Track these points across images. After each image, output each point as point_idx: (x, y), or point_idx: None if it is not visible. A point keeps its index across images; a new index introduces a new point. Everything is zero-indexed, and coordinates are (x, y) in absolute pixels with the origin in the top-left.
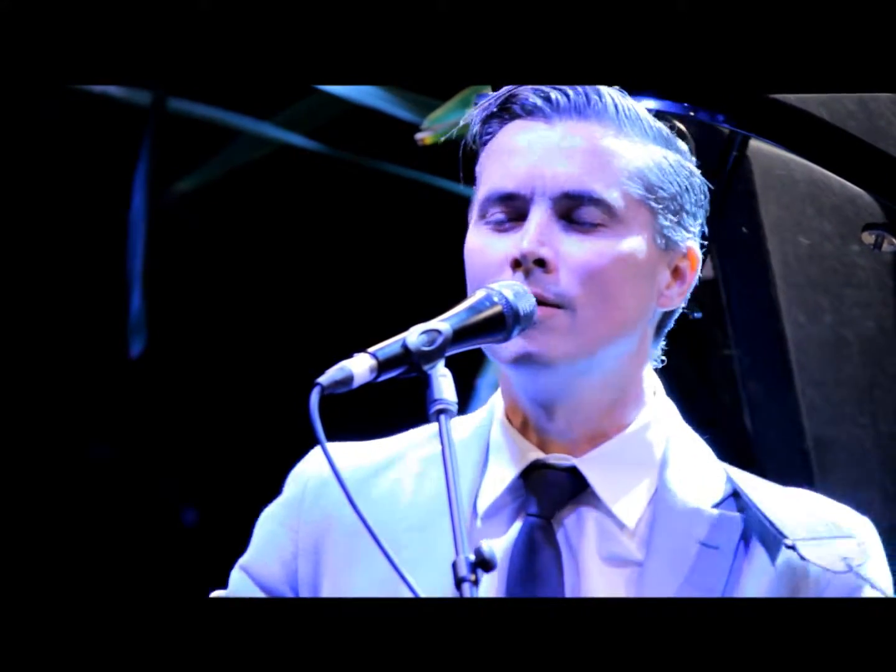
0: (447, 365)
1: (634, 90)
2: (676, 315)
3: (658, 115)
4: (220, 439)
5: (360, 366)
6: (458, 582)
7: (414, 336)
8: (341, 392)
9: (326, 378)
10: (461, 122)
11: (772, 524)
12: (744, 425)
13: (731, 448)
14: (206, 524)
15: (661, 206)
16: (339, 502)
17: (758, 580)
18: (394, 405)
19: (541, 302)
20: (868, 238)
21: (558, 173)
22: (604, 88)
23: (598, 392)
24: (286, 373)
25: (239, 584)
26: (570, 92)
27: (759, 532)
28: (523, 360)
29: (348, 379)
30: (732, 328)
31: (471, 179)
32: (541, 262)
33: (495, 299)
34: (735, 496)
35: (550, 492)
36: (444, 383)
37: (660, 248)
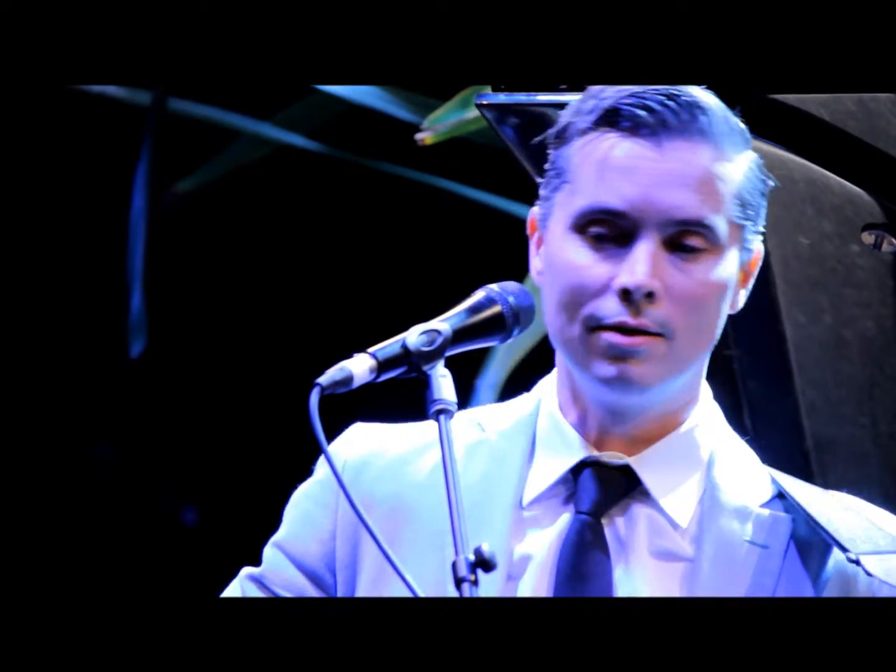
0: (447, 365)
1: None
2: None
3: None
4: (220, 439)
5: (359, 366)
6: (458, 582)
7: (414, 336)
8: (341, 392)
9: (326, 378)
10: (466, 118)
11: (830, 535)
12: (744, 425)
13: None
14: (206, 524)
15: (749, 222)
16: (379, 480)
17: (808, 583)
18: (394, 405)
19: (643, 332)
20: (868, 238)
21: (671, 202)
22: (702, 95)
23: (670, 402)
24: (286, 373)
25: (274, 562)
26: (673, 104)
27: (808, 535)
28: (619, 383)
29: (348, 379)
30: (732, 328)
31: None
32: (650, 294)
33: (495, 299)
34: (781, 497)
35: (602, 490)
36: (443, 383)
37: (742, 261)
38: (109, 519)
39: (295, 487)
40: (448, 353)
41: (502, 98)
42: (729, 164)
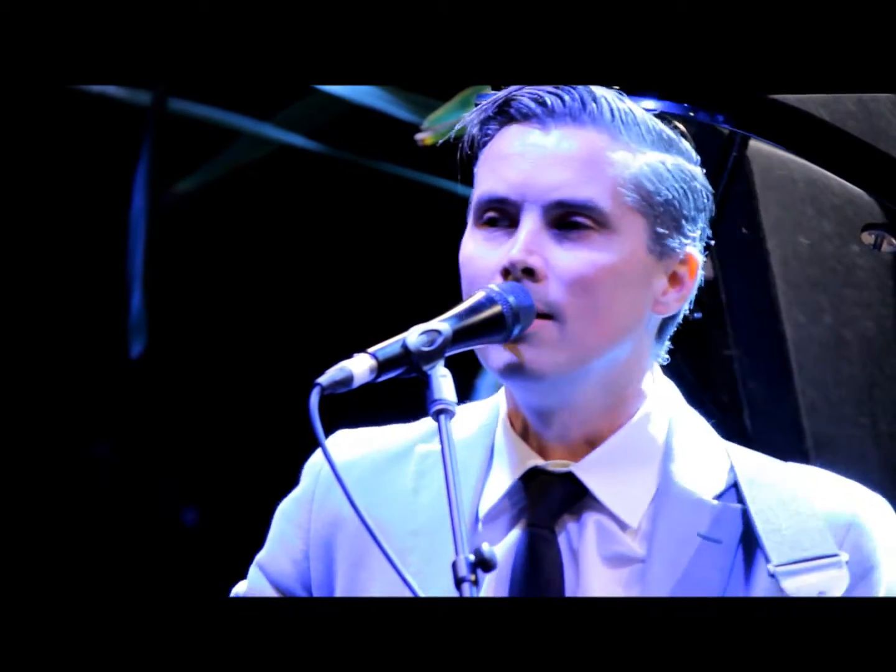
0: (447, 365)
1: (634, 90)
2: (678, 319)
3: (661, 116)
4: (221, 439)
5: (359, 366)
6: (458, 582)
7: (414, 336)
8: (341, 392)
9: (326, 378)
10: (459, 125)
11: (760, 539)
12: (744, 425)
13: None
14: (206, 524)
15: (656, 213)
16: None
17: (757, 577)
18: (393, 406)
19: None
20: (868, 238)
21: (551, 181)
22: (601, 91)
23: (592, 398)
24: (286, 373)
25: (255, 582)
26: (566, 96)
27: (756, 539)
28: (512, 373)
29: (348, 379)
30: (732, 328)
31: (469, 182)
32: (529, 272)
33: (495, 299)
34: (736, 487)
35: (549, 500)
36: (443, 383)
37: (654, 256)
38: (109, 519)
39: (293, 487)
40: (448, 353)
41: None
42: (622, 151)
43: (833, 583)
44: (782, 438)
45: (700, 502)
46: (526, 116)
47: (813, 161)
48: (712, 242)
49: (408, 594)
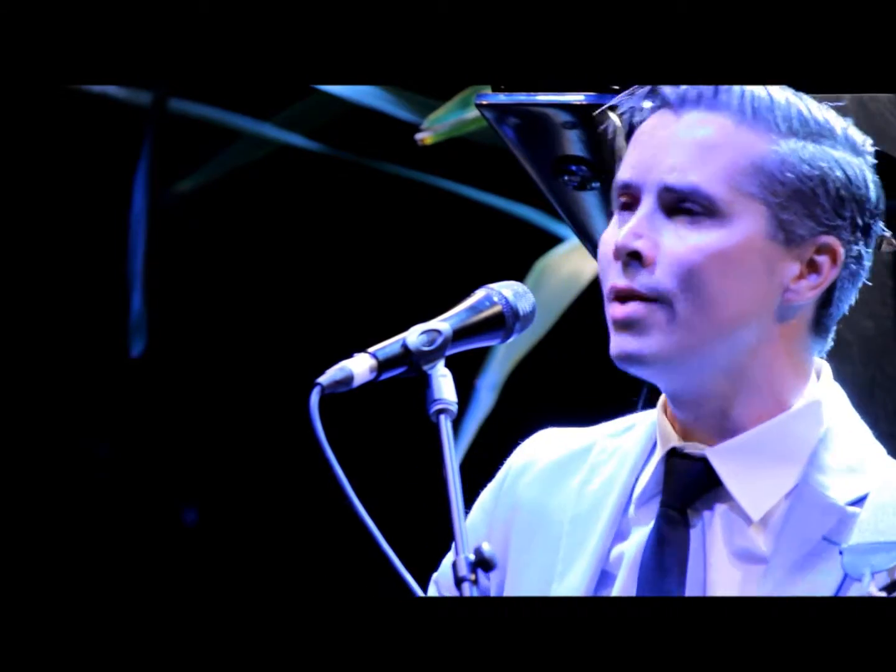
0: (447, 365)
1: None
2: (838, 310)
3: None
4: (221, 439)
5: (360, 366)
6: (458, 582)
7: (414, 336)
8: (341, 392)
9: (326, 378)
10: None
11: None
12: None
13: None
14: (206, 524)
15: (780, 200)
16: (530, 485)
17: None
18: (393, 405)
19: (636, 297)
20: None
21: (664, 165)
22: (757, 87)
23: (718, 386)
24: (286, 372)
25: (444, 565)
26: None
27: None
28: (622, 360)
29: (348, 379)
30: None
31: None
32: (636, 255)
33: (495, 299)
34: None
35: (683, 481)
36: (444, 383)
37: (778, 242)
38: (109, 519)
39: (293, 487)
40: (448, 353)
41: (502, 98)
42: (745, 136)
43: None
44: None
45: (831, 506)
46: (665, 102)
47: None
48: (887, 233)
49: (552, 581)
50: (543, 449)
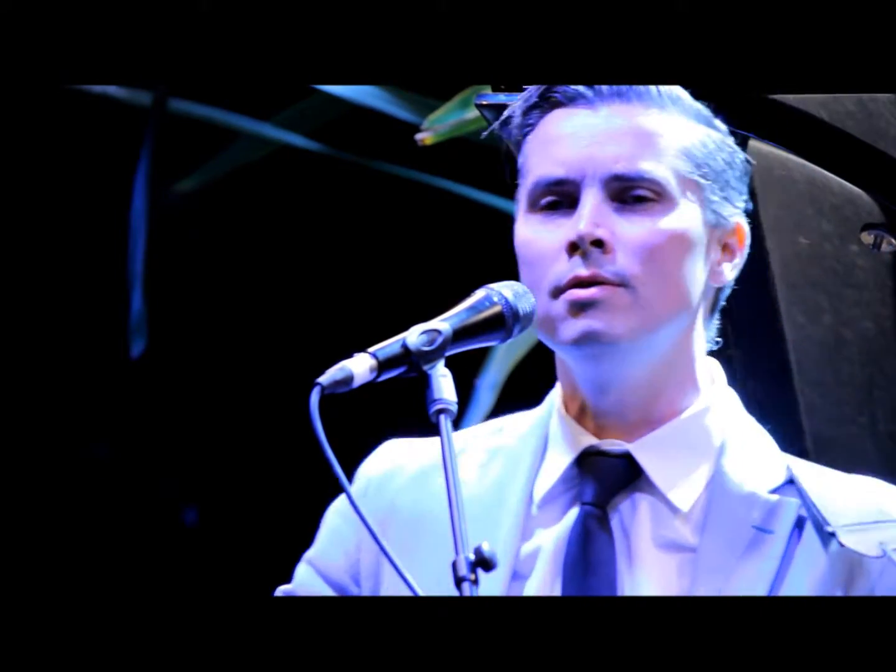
0: (447, 365)
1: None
2: (727, 293)
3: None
4: (221, 439)
5: (360, 366)
6: (458, 581)
7: (414, 336)
8: (341, 392)
9: (326, 378)
10: (466, 118)
11: (818, 510)
12: None
13: None
14: (206, 524)
15: (708, 182)
16: (403, 490)
17: (811, 567)
18: (393, 405)
19: (600, 282)
20: (867, 238)
21: (608, 156)
22: None
23: (653, 372)
24: (286, 373)
25: (305, 578)
26: None
27: (814, 520)
28: (586, 340)
29: (348, 379)
30: (732, 328)
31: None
32: (598, 243)
33: (495, 299)
34: (792, 483)
35: (604, 479)
36: (444, 383)
37: (710, 224)
38: (109, 519)
39: (293, 487)
40: (448, 353)
41: (502, 98)
42: (671, 122)
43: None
44: (782, 438)
45: (753, 495)
46: (572, 99)
47: (812, 161)
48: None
49: (443, 592)
50: (405, 455)
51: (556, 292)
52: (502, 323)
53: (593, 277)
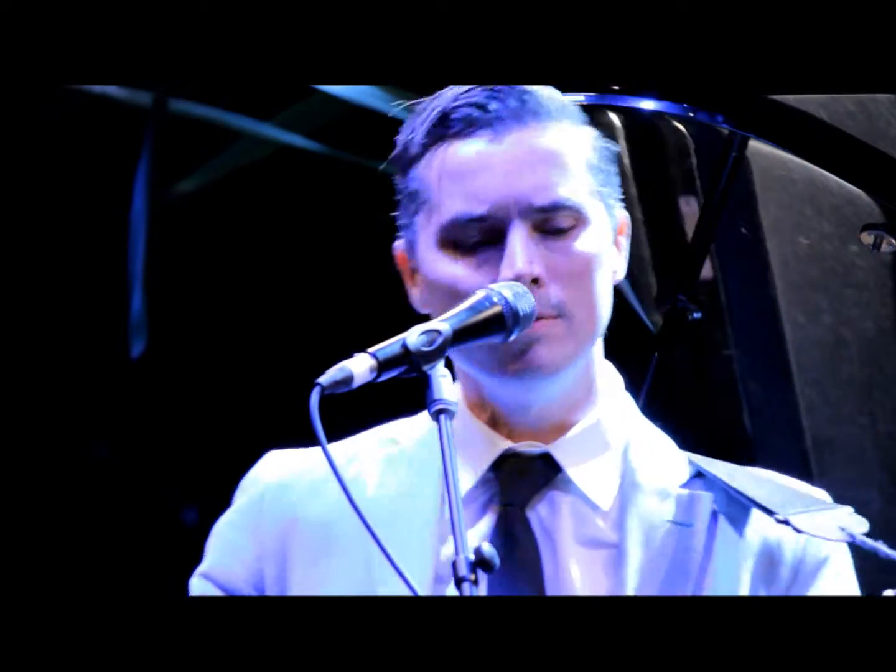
0: (447, 365)
1: (634, 90)
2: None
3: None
4: (221, 439)
5: (359, 366)
6: (458, 581)
7: (414, 336)
8: (341, 392)
9: (326, 378)
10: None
11: (756, 503)
12: (743, 425)
13: (731, 448)
14: (206, 524)
15: (605, 188)
16: (302, 502)
17: (733, 557)
18: (393, 405)
19: (540, 317)
20: (867, 238)
21: (526, 187)
22: (525, 86)
23: (572, 386)
24: (286, 373)
25: (201, 591)
26: (500, 94)
27: (729, 510)
28: (529, 373)
29: (348, 379)
30: (732, 328)
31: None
32: (535, 280)
33: (495, 299)
34: (699, 477)
35: (523, 480)
36: (443, 383)
37: (610, 229)
38: (110, 519)
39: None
40: (448, 353)
41: None
42: (572, 138)
43: (851, 521)
44: (782, 438)
45: (665, 490)
46: (471, 126)
47: (812, 161)
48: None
49: (367, 589)
50: (297, 465)
51: None
52: (502, 323)
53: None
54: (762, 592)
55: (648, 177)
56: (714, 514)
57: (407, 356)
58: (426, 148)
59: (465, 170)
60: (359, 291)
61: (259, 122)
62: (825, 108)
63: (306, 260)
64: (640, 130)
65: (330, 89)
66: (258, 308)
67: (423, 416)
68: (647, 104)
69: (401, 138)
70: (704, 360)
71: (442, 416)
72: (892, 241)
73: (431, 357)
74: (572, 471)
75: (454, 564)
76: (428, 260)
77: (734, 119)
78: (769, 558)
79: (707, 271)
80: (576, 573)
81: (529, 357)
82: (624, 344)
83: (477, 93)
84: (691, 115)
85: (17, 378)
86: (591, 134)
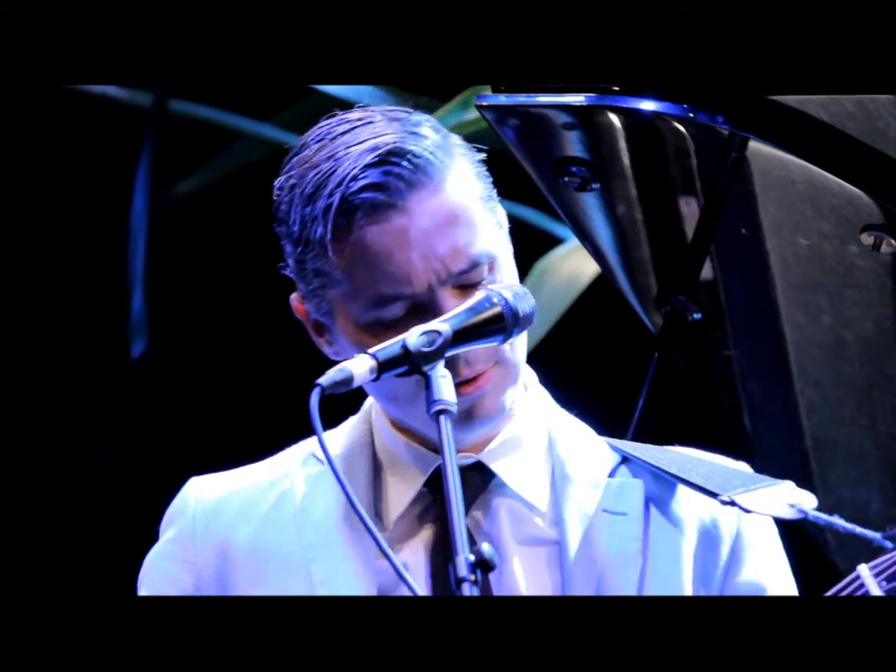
0: (447, 365)
1: (634, 91)
2: None
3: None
4: (221, 439)
5: (360, 366)
6: (458, 582)
7: (414, 337)
8: (341, 392)
9: (326, 378)
10: (466, 119)
11: (697, 486)
12: (743, 425)
13: (730, 448)
14: None
15: (492, 207)
16: (233, 525)
17: (671, 542)
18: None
19: (479, 374)
20: (867, 239)
21: (443, 256)
22: (408, 141)
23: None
24: (287, 373)
25: None
26: (391, 167)
27: (661, 494)
28: (479, 424)
29: (348, 379)
30: (732, 328)
31: None
32: None
33: (495, 300)
34: (625, 462)
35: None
36: (443, 384)
37: (507, 240)
38: (110, 519)
39: (158, 539)
40: (448, 354)
41: (502, 99)
42: (462, 178)
43: (799, 497)
44: (782, 438)
45: (595, 481)
46: (374, 209)
47: (812, 162)
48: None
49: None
50: (221, 490)
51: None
52: (502, 323)
53: (474, 374)
54: (706, 571)
55: (648, 177)
56: (647, 501)
57: (407, 356)
58: (333, 238)
59: (380, 254)
60: None
61: (259, 122)
62: (825, 108)
63: None
64: (640, 130)
65: (330, 89)
66: (258, 308)
67: (343, 430)
68: (648, 105)
69: (297, 226)
70: (704, 360)
71: (442, 417)
72: (892, 241)
73: (431, 357)
74: (504, 475)
75: (454, 564)
76: (352, 335)
77: (734, 120)
78: (706, 537)
79: (707, 271)
80: (518, 572)
81: (477, 413)
82: (624, 344)
83: (369, 170)
84: (691, 115)
85: (17, 378)
86: (466, 161)
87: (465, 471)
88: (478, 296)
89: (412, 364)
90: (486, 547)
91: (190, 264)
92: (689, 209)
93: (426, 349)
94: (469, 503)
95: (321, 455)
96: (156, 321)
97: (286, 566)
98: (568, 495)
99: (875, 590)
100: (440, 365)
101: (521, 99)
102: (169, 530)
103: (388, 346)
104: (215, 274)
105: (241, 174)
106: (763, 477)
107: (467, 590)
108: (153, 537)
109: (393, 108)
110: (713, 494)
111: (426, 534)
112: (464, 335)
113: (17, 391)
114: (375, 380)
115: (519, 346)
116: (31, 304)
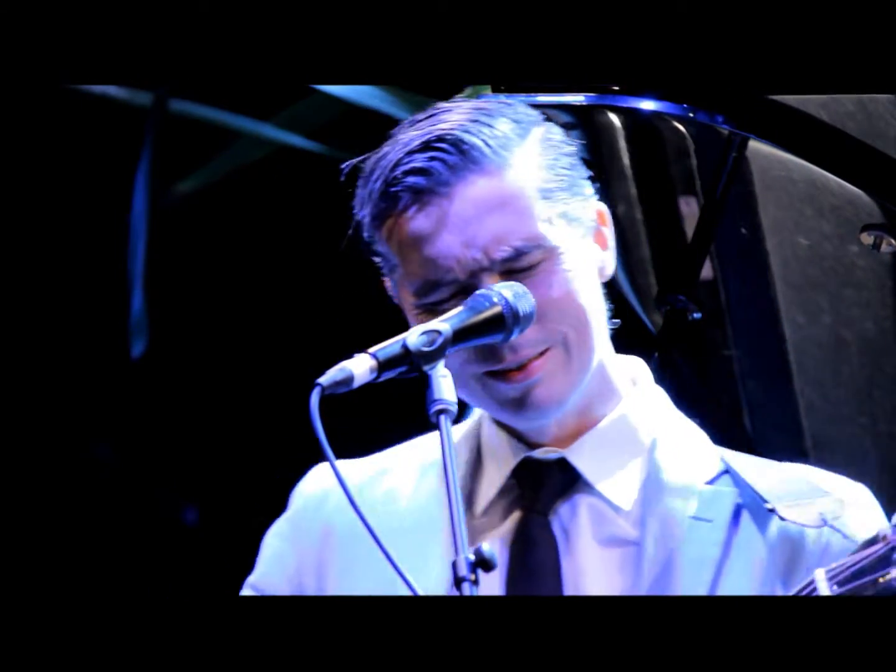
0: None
1: (634, 91)
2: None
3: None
4: (221, 439)
5: (360, 366)
6: (458, 581)
7: (414, 336)
8: (342, 392)
9: (327, 378)
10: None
11: (755, 491)
12: (743, 425)
13: (730, 448)
14: (206, 524)
15: (563, 200)
16: (338, 510)
17: (752, 551)
18: (393, 405)
19: (534, 358)
20: (867, 239)
21: (487, 243)
22: (462, 126)
23: (588, 395)
24: (287, 373)
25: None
26: (439, 153)
27: (752, 504)
28: (533, 415)
29: (348, 379)
30: (732, 328)
31: None
32: None
33: (495, 300)
34: (727, 473)
35: (542, 487)
36: (444, 384)
37: (582, 235)
38: (110, 519)
39: (294, 487)
40: (448, 354)
41: (502, 99)
42: (518, 171)
43: (834, 507)
44: (782, 438)
45: (689, 488)
46: (417, 194)
47: (812, 162)
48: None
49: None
50: (333, 477)
51: (489, 375)
52: (502, 323)
53: (524, 360)
54: (778, 586)
55: (648, 177)
56: (738, 510)
57: (407, 356)
58: (380, 222)
59: (423, 239)
60: (358, 291)
61: (259, 122)
62: (825, 108)
63: (306, 260)
64: (640, 130)
65: (330, 89)
66: (258, 308)
67: (465, 422)
68: (648, 104)
69: (356, 209)
70: (704, 360)
71: (442, 417)
72: (892, 241)
73: (431, 357)
74: (589, 473)
75: (454, 564)
76: (411, 314)
77: (734, 119)
78: (791, 550)
79: (707, 271)
80: (593, 572)
81: (529, 402)
82: (624, 344)
83: (416, 155)
84: (691, 115)
85: (17, 378)
86: (536, 149)
87: (549, 465)
88: (478, 295)
89: (412, 364)
90: (485, 546)
91: (190, 264)
92: (689, 209)
93: (426, 349)
94: (552, 499)
95: (431, 446)
96: (156, 321)
97: (378, 555)
98: (656, 500)
99: (825, 592)
100: (440, 365)
101: (520, 98)
102: (288, 511)
103: (389, 346)
104: (215, 274)
105: (241, 174)
106: (824, 490)
107: (467, 589)
108: (153, 537)
109: (492, 100)
110: (763, 500)
111: (508, 526)
112: (464, 334)
113: (17, 391)
114: (376, 380)
115: (586, 329)
116: (31, 303)
